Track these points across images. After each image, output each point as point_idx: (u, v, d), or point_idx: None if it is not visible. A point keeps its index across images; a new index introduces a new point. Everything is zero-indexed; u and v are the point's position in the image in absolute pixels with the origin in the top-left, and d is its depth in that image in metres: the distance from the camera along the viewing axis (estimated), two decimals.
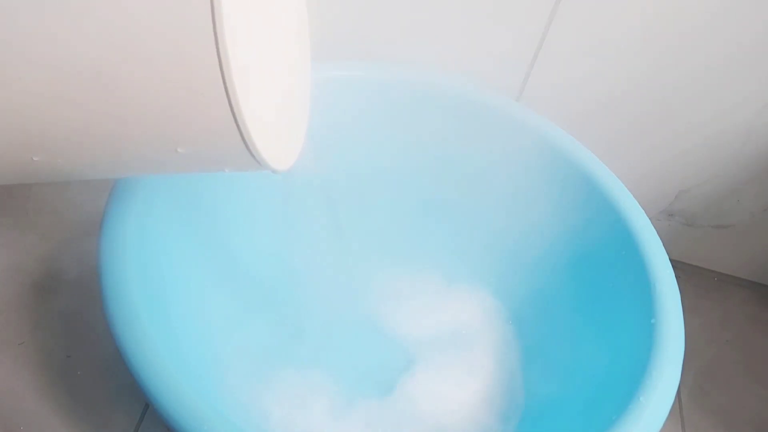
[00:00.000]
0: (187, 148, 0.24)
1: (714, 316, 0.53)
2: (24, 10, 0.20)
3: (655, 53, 0.43)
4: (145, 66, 0.21)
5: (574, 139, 0.43)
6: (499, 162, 0.45)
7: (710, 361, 0.49)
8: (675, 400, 0.35)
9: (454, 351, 0.45)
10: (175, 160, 0.24)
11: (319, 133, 0.33)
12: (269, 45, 0.26)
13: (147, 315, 0.31)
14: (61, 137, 0.23)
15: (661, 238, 0.38)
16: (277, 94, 0.27)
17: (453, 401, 0.42)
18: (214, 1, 0.20)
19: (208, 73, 0.21)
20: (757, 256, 0.54)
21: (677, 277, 0.36)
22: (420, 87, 0.44)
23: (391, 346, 0.45)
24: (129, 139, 0.23)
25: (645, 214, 0.39)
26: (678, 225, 0.53)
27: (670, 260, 0.37)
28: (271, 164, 0.25)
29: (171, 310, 0.36)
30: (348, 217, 0.40)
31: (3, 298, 0.44)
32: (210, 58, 0.21)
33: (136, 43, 0.21)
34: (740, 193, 0.49)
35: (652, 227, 0.38)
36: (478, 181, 0.47)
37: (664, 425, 0.30)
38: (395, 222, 0.49)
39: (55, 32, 0.20)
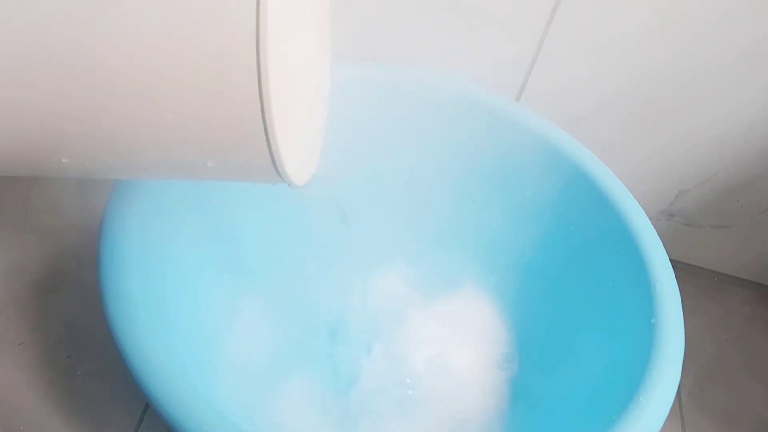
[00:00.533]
0: (217, 162, 0.24)
1: (714, 316, 0.53)
2: (74, 25, 0.20)
3: (655, 53, 0.43)
4: (185, 89, 0.21)
5: (574, 139, 0.43)
6: (498, 162, 0.45)
7: (710, 361, 0.49)
8: (675, 400, 0.35)
9: (452, 350, 0.45)
10: (202, 171, 0.25)
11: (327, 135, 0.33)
12: (300, 61, 0.26)
13: (147, 315, 0.31)
14: (94, 148, 0.23)
15: (661, 238, 0.38)
16: (303, 110, 0.27)
17: (451, 401, 0.42)
18: (260, 38, 0.20)
19: (248, 103, 0.21)
20: (757, 256, 0.54)
21: (677, 277, 0.36)
22: (419, 87, 0.44)
23: (391, 345, 0.45)
24: (161, 154, 0.24)
25: (645, 214, 0.39)
26: (678, 225, 0.53)
27: (670, 260, 0.37)
28: (293, 181, 0.26)
29: (171, 310, 0.36)
30: (352, 216, 0.40)
31: (3, 298, 0.44)
32: (250, 87, 0.21)
33: (178, 69, 0.21)
34: (740, 193, 0.49)
35: (652, 227, 0.38)
36: (478, 181, 0.47)
37: (664, 425, 0.30)
38: (396, 221, 0.49)
39: (96, 50, 0.21)
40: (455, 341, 0.45)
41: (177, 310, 0.37)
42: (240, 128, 0.22)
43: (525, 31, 0.44)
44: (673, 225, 0.53)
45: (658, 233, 0.38)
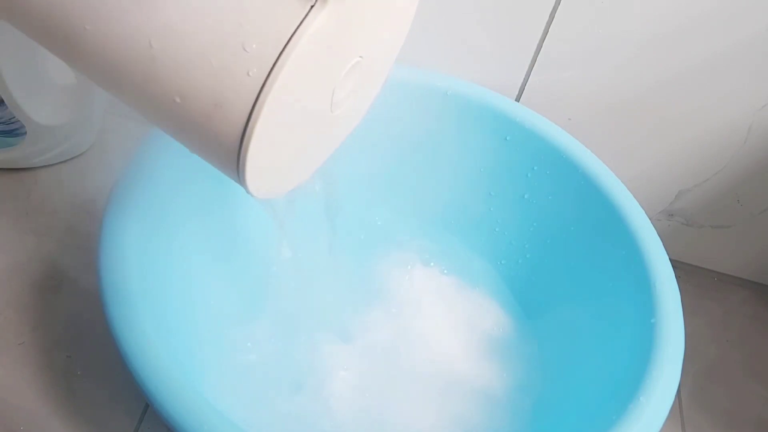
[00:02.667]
0: (191, 150, 0.25)
1: (714, 316, 0.53)
2: None
3: (655, 53, 0.43)
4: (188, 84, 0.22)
5: (575, 139, 0.43)
6: (497, 162, 0.45)
7: (710, 361, 0.49)
8: (675, 400, 0.35)
9: (451, 348, 0.44)
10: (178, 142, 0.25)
11: None
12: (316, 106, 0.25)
13: (147, 315, 0.31)
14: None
15: (661, 238, 0.38)
16: (301, 142, 0.27)
17: (448, 399, 0.42)
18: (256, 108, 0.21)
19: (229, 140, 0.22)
20: (757, 256, 0.54)
21: (677, 277, 0.36)
22: (417, 86, 0.44)
23: (392, 339, 0.45)
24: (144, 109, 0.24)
25: (645, 214, 0.39)
26: (678, 225, 0.53)
27: (670, 260, 0.37)
28: (257, 196, 0.25)
29: (171, 309, 0.36)
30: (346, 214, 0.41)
31: (3, 298, 0.44)
32: (235, 130, 0.22)
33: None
34: (740, 193, 0.49)
35: (652, 227, 0.38)
36: (477, 180, 0.47)
37: (664, 425, 0.30)
38: (392, 221, 0.49)
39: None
40: (450, 338, 0.45)
41: (177, 310, 0.37)
42: (217, 150, 0.23)
43: (525, 31, 0.44)
44: (673, 225, 0.53)
45: (658, 233, 0.38)
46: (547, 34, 0.44)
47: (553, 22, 0.43)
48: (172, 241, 0.38)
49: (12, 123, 0.49)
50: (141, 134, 0.38)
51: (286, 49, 0.20)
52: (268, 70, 0.20)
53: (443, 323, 0.46)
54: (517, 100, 0.48)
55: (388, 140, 0.46)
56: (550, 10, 0.42)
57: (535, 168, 0.44)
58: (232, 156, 0.22)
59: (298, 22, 0.20)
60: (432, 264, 0.49)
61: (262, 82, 0.21)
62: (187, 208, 0.40)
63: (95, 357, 0.42)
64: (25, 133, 0.49)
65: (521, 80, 0.47)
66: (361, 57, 0.25)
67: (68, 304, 0.44)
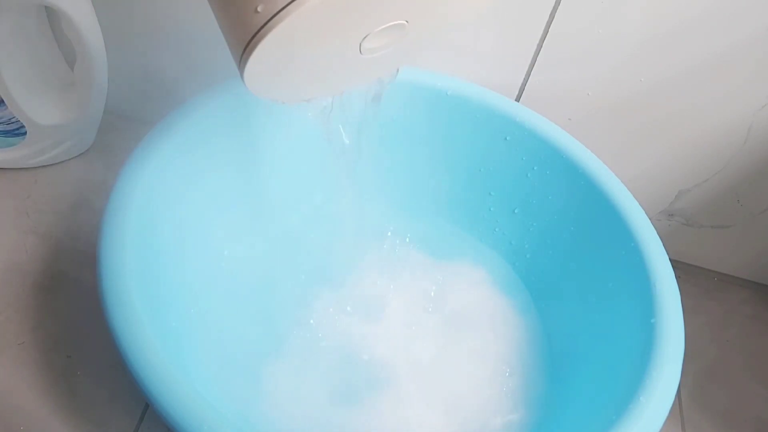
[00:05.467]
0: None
1: (714, 316, 0.53)
2: None
3: (655, 53, 0.43)
4: None
5: (575, 139, 0.43)
6: (497, 162, 0.45)
7: (710, 361, 0.49)
8: (675, 400, 0.35)
9: (452, 346, 0.45)
10: None
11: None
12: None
13: (146, 315, 0.31)
14: None
15: (661, 238, 0.38)
16: (314, 69, 0.28)
17: (449, 398, 0.42)
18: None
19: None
20: (757, 256, 0.54)
21: (677, 277, 0.36)
22: (417, 86, 0.44)
23: (395, 332, 0.45)
24: None
25: (645, 214, 0.39)
26: (678, 225, 0.53)
27: (670, 260, 0.37)
28: (254, 93, 0.28)
29: (171, 310, 0.36)
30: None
31: (3, 298, 0.44)
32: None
33: None
34: (740, 193, 0.49)
35: (652, 227, 0.38)
36: (477, 180, 0.47)
37: (664, 425, 0.30)
38: (395, 216, 0.49)
39: None
40: (451, 336, 0.45)
41: (177, 310, 0.37)
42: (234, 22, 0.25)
43: (525, 31, 0.44)
44: (673, 225, 0.53)
45: (658, 233, 0.38)
46: (547, 34, 0.44)
47: (553, 22, 0.43)
48: (172, 242, 0.38)
49: (12, 123, 0.49)
50: (141, 134, 0.38)
51: (291, 5, 0.22)
52: (271, 15, 0.23)
53: (441, 324, 0.46)
54: (517, 100, 0.48)
55: (387, 140, 0.46)
56: (550, 10, 0.42)
57: (535, 168, 0.44)
58: (236, 57, 0.25)
59: None
60: (426, 263, 0.49)
61: (263, 22, 0.23)
62: (187, 208, 0.40)
63: (95, 357, 0.42)
64: (25, 133, 0.50)
65: (521, 80, 0.47)
66: (406, 21, 0.27)
67: (68, 304, 0.44)
